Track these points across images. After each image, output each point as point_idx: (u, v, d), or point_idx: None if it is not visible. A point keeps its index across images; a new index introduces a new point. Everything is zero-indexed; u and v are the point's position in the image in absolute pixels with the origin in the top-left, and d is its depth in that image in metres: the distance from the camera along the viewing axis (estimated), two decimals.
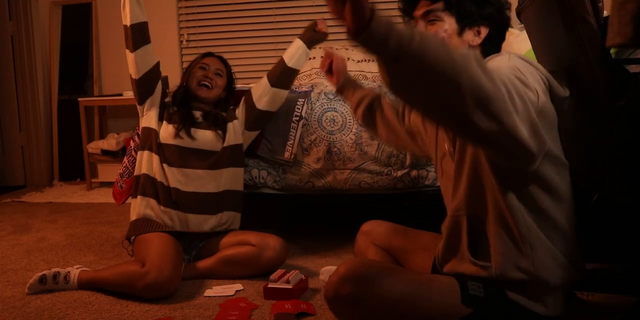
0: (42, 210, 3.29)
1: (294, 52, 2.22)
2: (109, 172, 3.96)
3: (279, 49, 4.16)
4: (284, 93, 2.22)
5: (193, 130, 2.09)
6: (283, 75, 2.22)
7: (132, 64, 2.08)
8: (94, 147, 3.96)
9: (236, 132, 2.18)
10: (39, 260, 2.27)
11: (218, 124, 2.15)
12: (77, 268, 1.94)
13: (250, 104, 2.21)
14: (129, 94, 3.97)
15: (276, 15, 4.16)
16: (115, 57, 4.35)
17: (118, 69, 4.35)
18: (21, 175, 4.31)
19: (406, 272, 1.25)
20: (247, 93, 2.25)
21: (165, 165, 2.05)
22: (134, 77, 2.11)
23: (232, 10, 4.21)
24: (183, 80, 2.23)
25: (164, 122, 2.12)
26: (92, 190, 3.92)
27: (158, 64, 2.15)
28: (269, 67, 4.21)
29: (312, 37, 2.23)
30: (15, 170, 4.31)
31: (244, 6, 4.18)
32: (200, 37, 4.28)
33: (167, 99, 2.21)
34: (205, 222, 2.04)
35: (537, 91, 1.10)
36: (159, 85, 2.16)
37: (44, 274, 1.88)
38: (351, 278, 1.17)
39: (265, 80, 2.23)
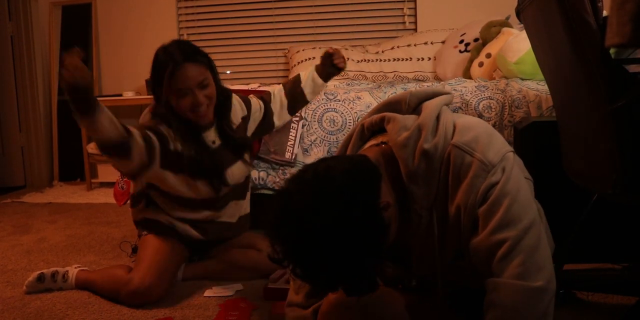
0: (42, 211, 3.29)
1: (315, 89, 2.11)
2: (109, 172, 3.96)
3: (278, 49, 4.16)
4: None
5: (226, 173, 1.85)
6: (300, 106, 2.14)
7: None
8: (94, 147, 3.95)
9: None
10: (39, 261, 2.27)
11: (241, 148, 1.92)
12: (75, 267, 1.94)
13: (269, 124, 2.08)
14: (129, 94, 3.98)
15: (276, 15, 4.16)
16: (115, 57, 4.35)
17: (118, 69, 4.35)
18: (21, 176, 4.31)
19: (400, 296, 1.25)
20: (267, 111, 2.05)
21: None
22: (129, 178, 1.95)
23: (232, 10, 4.21)
24: (162, 99, 1.78)
25: (173, 174, 1.79)
26: (92, 191, 3.92)
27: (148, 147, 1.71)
28: (269, 67, 4.28)
29: (331, 73, 2.11)
30: (15, 171, 4.31)
31: (244, 6, 4.19)
32: (200, 37, 4.28)
33: (175, 148, 1.78)
34: (223, 237, 2.00)
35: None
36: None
37: (42, 273, 1.88)
38: (342, 306, 1.18)
39: (285, 108, 2.09)
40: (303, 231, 0.96)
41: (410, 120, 1.13)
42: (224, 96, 1.88)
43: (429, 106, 1.14)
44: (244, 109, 1.99)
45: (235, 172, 1.90)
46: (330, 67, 2.08)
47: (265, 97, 2.08)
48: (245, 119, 1.99)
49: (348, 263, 0.98)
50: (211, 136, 1.85)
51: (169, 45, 1.76)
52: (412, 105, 1.19)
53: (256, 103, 2.03)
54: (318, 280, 1.02)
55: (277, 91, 2.11)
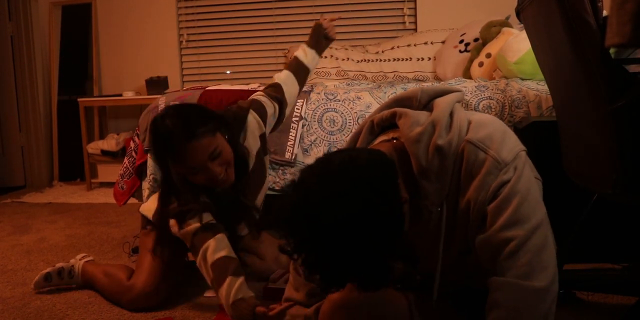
0: (42, 211, 3.29)
1: (314, 65, 2.06)
2: (109, 172, 3.96)
3: (278, 49, 4.16)
4: None
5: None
6: (302, 88, 2.09)
7: None
8: (94, 147, 3.96)
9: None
10: (39, 261, 2.27)
11: (248, 214, 1.82)
12: (80, 259, 1.95)
13: (282, 118, 1.99)
14: (129, 94, 3.98)
15: (276, 15, 4.16)
16: (115, 57, 4.35)
17: (118, 69, 4.35)
18: (21, 176, 4.31)
19: (401, 295, 1.25)
20: (282, 110, 1.95)
21: None
22: None
23: (232, 10, 4.21)
24: (175, 177, 1.63)
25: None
26: (92, 191, 3.92)
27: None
28: (269, 67, 4.27)
29: (325, 46, 2.08)
30: (15, 171, 4.31)
31: (244, 6, 4.19)
32: (200, 37, 4.28)
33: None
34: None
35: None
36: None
37: (48, 272, 1.89)
38: (344, 306, 1.17)
39: (297, 94, 2.03)
40: (327, 220, 0.94)
41: (422, 116, 1.12)
42: (241, 153, 1.71)
43: (442, 103, 1.14)
44: (261, 126, 1.86)
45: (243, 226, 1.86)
46: (323, 39, 2.05)
47: (279, 96, 1.94)
48: (263, 136, 1.88)
49: (367, 255, 0.96)
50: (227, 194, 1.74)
51: (165, 115, 1.57)
52: (423, 102, 1.18)
53: (271, 107, 1.91)
54: (332, 273, 0.99)
55: (287, 79, 1.99)
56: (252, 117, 1.84)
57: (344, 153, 1.03)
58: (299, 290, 1.30)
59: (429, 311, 1.22)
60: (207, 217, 1.63)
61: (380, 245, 0.96)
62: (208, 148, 1.55)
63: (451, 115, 1.11)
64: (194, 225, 1.61)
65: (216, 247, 1.57)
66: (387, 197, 0.98)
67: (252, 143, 1.83)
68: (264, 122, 1.88)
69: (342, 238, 0.94)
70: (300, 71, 2.04)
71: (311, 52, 2.06)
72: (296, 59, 2.06)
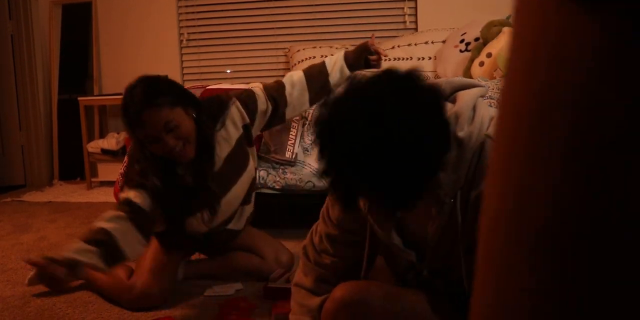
0: (42, 210, 3.29)
1: (341, 81, 1.90)
2: (109, 171, 3.96)
3: (278, 49, 4.16)
4: None
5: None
6: (321, 99, 1.91)
7: None
8: (94, 146, 3.95)
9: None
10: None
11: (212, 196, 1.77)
12: None
13: (280, 118, 1.91)
14: None
15: (276, 14, 4.15)
16: (115, 56, 4.35)
17: (118, 68, 4.35)
18: (21, 175, 4.31)
19: (404, 293, 1.24)
20: (277, 107, 1.87)
21: None
22: None
23: (232, 10, 4.20)
24: (136, 145, 1.71)
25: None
26: (92, 190, 3.92)
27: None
28: (269, 67, 4.26)
29: (361, 68, 1.92)
30: (15, 170, 4.31)
31: (244, 6, 4.18)
32: (200, 36, 4.28)
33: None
34: (229, 244, 1.97)
35: None
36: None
37: None
38: (347, 304, 1.16)
39: (307, 101, 1.92)
40: (389, 121, 0.95)
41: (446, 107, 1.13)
42: (206, 135, 1.70)
43: (465, 96, 1.14)
44: (244, 117, 1.81)
45: (198, 220, 1.80)
46: (364, 61, 1.93)
47: (275, 97, 1.87)
48: (247, 126, 1.83)
49: (405, 165, 0.96)
50: (186, 173, 1.71)
51: (135, 85, 1.62)
52: (446, 93, 1.18)
53: (264, 103, 1.85)
54: (363, 179, 0.99)
55: (297, 82, 1.90)
56: (235, 107, 1.80)
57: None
58: (308, 275, 1.29)
59: (437, 309, 1.21)
60: (145, 201, 1.62)
61: (425, 161, 0.97)
62: (162, 119, 1.57)
63: (474, 109, 1.11)
64: (125, 194, 1.63)
65: (107, 219, 1.57)
66: (435, 112, 1.00)
67: (232, 130, 1.79)
68: (252, 115, 1.83)
69: (393, 142, 0.95)
70: (317, 78, 1.90)
71: (341, 64, 1.91)
72: (322, 63, 1.94)
